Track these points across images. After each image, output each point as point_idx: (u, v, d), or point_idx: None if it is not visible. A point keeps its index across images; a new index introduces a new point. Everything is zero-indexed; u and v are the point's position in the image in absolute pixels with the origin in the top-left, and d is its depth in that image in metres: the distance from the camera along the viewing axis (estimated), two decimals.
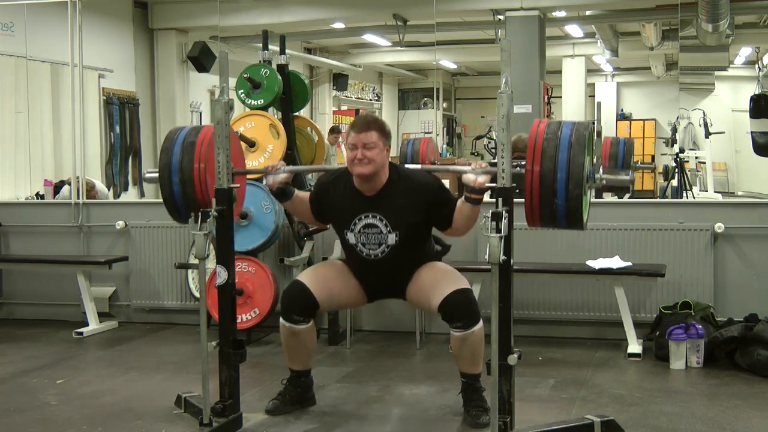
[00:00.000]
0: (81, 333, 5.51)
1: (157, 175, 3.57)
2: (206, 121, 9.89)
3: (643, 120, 15.88)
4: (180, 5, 10.24)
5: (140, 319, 5.95)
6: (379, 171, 3.48)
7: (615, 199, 6.76)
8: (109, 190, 8.48)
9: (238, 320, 4.69)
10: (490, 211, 2.96)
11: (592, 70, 16.05)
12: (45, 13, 7.73)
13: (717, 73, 13.95)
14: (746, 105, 9.38)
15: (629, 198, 6.97)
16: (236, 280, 3.72)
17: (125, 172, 9.27)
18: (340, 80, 14.32)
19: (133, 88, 9.69)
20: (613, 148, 7.37)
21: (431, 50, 12.42)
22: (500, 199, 3.00)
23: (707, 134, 10.92)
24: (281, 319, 3.65)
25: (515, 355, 3.08)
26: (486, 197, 3.31)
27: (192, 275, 5.71)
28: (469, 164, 3.40)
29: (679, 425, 3.54)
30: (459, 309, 3.44)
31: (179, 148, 3.53)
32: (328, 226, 4.91)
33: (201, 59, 9.38)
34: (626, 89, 17.33)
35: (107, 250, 6.01)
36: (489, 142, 10.98)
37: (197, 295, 5.61)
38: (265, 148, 5.14)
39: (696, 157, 11.60)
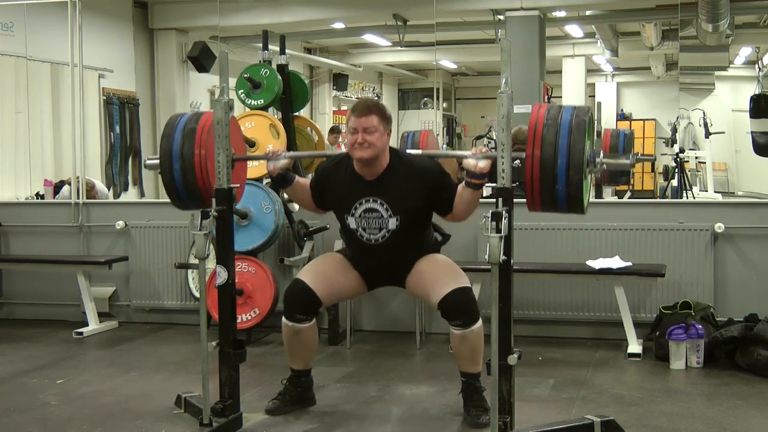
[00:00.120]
0: (81, 333, 5.51)
1: (157, 161, 3.56)
2: None
3: (643, 120, 15.87)
4: (180, 5, 10.24)
5: (140, 319, 5.95)
6: (380, 155, 3.49)
7: (615, 199, 6.77)
8: (109, 190, 8.48)
9: (238, 320, 4.70)
10: (490, 211, 2.95)
11: (592, 70, 16.05)
12: (45, 13, 7.73)
13: (717, 73, 13.95)
14: (746, 105, 9.37)
15: (629, 198, 6.97)
16: (236, 280, 3.72)
17: (125, 172, 9.27)
18: (340, 80, 14.32)
19: (133, 88, 9.69)
20: (614, 140, 7.36)
21: (431, 50, 12.42)
22: (500, 199, 3.00)
23: (707, 134, 10.93)
24: (284, 318, 3.65)
25: (515, 355, 3.08)
26: (486, 191, 3.31)
27: (192, 275, 5.71)
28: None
29: (679, 425, 3.54)
30: (458, 308, 3.44)
31: (180, 135, 3.51)
32: (328, 225, 4.91)
33: (201, 59, 9.38)
34: (626, 89, 17.33)
35: (107, 250, 6.01)
36: (489, 142, 10.98)
37: (197, 295, 5.61)
38: (265, 148, 5.13)
39: (696, 157, 11.60)
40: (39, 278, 6.15)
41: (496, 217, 2.93)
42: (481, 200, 3.43)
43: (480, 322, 3.47)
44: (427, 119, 15.70)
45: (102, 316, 5.81)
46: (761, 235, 5.00)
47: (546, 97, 9.85)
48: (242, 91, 5.29)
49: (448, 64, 15.92)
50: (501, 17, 9.77)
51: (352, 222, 3.58)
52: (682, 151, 10.02)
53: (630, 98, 17.21)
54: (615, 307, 4.83)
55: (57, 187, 7.56)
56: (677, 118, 11.23)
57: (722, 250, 5.01)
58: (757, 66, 13.83)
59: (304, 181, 3.77)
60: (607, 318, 5.06)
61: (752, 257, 5.00)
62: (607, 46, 12.96)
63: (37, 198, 7.54)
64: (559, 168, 2.95)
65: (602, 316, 5.11)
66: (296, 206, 5.38)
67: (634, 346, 4.73)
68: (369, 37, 12.83)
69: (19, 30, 7.75)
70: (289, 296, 3.66)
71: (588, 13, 11.28)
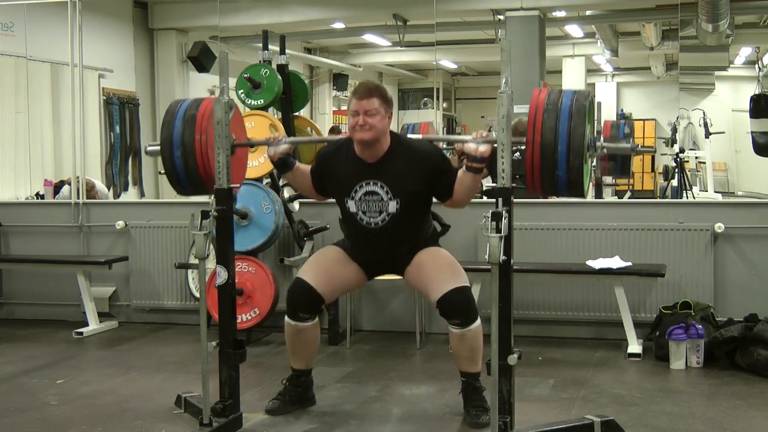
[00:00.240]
0: (81, 333, 5.51)
1: (158, 148, 3.55)
2: None
3: (643, 120, 15.88)
4: (180, 5, 10.24)
5: (140, 319, 5.94)
6: (381, 138, 3.49)
7: (615, 199, 6.77)
8: (109, 190, 8.48)
9: (238, 320, 4.69)
10: (490, 211, 2.95)
11: (592, 70, 16.06)
12: (45, 13, 7.73)
13: (717, 73, 13.96)
14: (746, 105, 9.38)
15: (629, 198, 6.97)
16: (236, 280, 3.72)
17: (125, 172, 9.27)
18: (340, 80, 14.33)
19: (133, 88, 9.69)
20: (614, 131, 7.37)
21: (431, 50, 12.43)
22: (500, 199, 3.00)
23: (707, 134, 10.93)
24: (287, 318, 3.65)
25: (515, 355, 3.08)
26: (486, 182, 3.31)
27: (192, 275, 5.71)
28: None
29: (679, 425, 3.54)
30: (456, 307, 3.45)
31: (180, 121, 3.50)
32: (328, 225, 4.91)
33: (201, 59, 9.38)
34: (626, 89, 17.34)
35: (107, 250, 6.01)
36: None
37: (197, 295, 5.61)
38: (265, 148, 5.14)
39: (696, 157, 11.62)
40: (39, 278, 6.15)
41: (496, 217, 2.93)
42: (481, 200, 3.44)
43: (479, 322, 3.47)
44: (427, 119, 15.71)
45: (102, 316, 5.81)
46: (761, 235, 5.00)
47: None
48: (242, 91, 5.29)
49: (448, 64, 15.92)
50: (501, 17, 9.77)
51: (352, 205, 3.58)
52: (682, 151, 10.03)
53: (630, 98, 17.22)
54: (615, 307, 4.83)
55: (57, 187, 7.55)
56: (677, 118, 11.25)
57: (722, 250, 5.01)
58: (757, 66, 13.84)
59: (305, 167, 3.78)
60: (607, 318, 5.06)
61: (752, 257, 5.00)
62: (607, 46, 12.96)
63: (37, 198, 7.54)
64: (559, 153, 2.95)
65: (602, 316, 5.11)
66: (296, 206, 5.38)
67: (634, 346, 4.72)
68: (369, 37, 12.83)
69: (19, 30, 7.75)
70: (291, 296, 3.66)
71: (588, 13, 11.28)
